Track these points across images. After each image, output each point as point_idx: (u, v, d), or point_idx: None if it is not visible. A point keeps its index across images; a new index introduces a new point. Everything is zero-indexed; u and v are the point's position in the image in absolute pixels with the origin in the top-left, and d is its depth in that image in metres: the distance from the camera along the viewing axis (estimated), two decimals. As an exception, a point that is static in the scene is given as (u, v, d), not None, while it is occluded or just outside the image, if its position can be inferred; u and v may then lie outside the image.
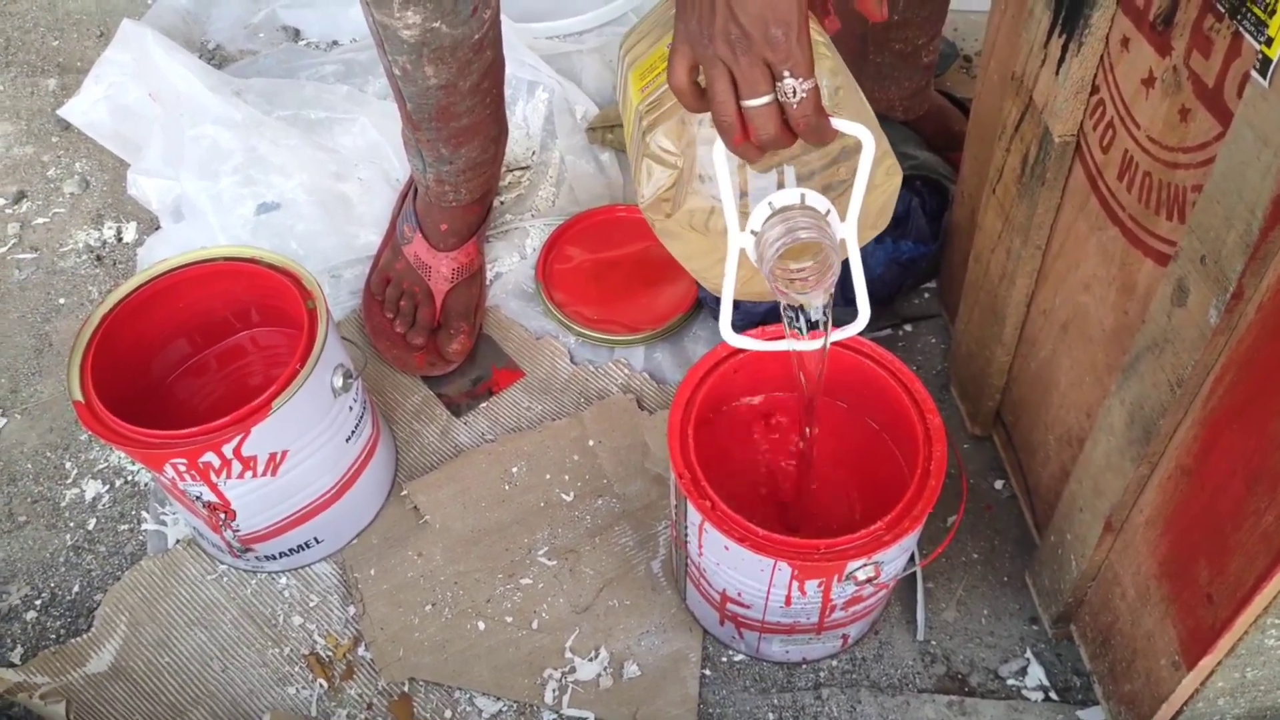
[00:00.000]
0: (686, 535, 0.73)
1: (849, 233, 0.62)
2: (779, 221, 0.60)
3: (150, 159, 1.09)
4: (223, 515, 0.78)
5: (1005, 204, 0.78)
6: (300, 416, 0.75)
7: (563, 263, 1.07)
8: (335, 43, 1.32)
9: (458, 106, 0.89)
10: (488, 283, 1.07)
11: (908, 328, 1.03)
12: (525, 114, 1.21)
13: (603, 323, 1.02)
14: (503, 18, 0.89)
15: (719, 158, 0.59)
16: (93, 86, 1.13)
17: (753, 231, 0.62)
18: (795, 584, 0.68)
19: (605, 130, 1.19)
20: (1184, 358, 0.56)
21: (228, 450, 0.72)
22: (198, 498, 0.76)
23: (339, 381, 0.78)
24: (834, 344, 0.76)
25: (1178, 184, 0.58)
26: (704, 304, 1.02)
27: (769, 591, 0.70)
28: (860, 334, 0.74)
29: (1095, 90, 0.64)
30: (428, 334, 0.99)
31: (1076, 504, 0.72)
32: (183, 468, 0.73)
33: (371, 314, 1.02)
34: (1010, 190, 0.77)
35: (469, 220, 1.03)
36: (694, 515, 0.69)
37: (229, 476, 0.74)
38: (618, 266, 1.07)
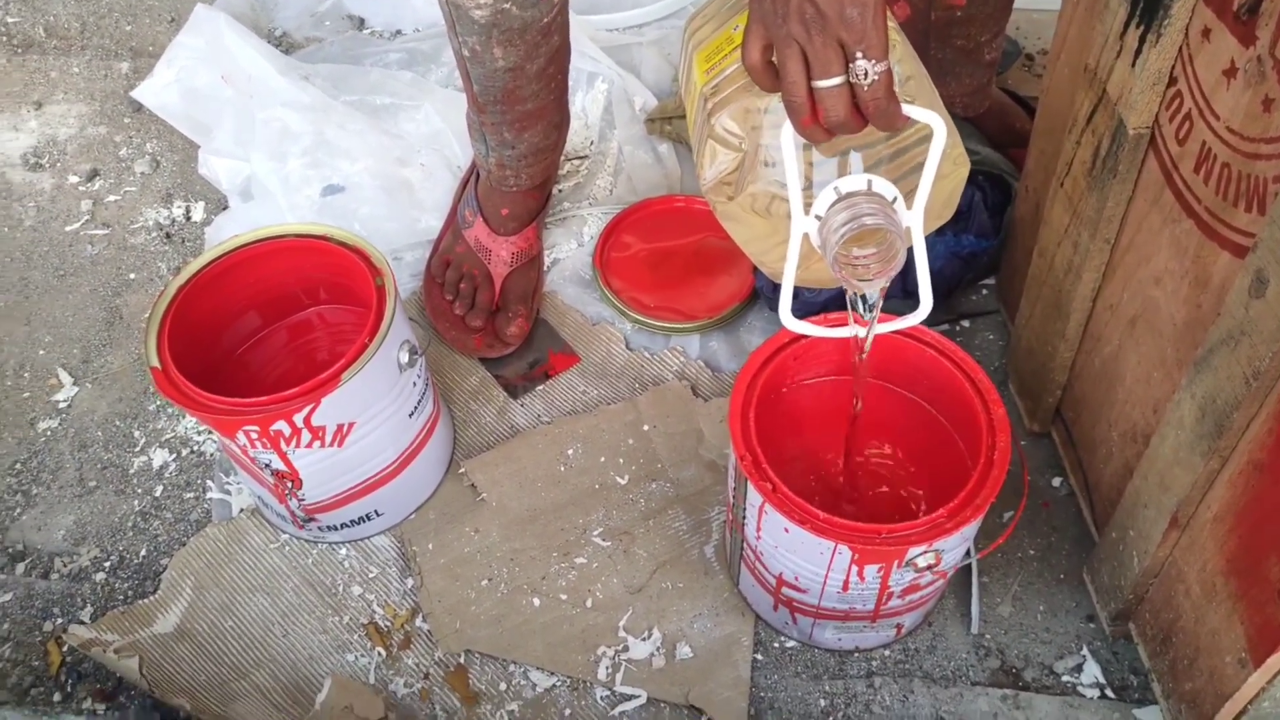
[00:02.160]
0: (745, 517, 0.74)
1: (915, 221, 0.62)
2: (844, 207, 0.61)
3: (221, 140, 1.11)
4: (290, 484, 0.80)
5: (1074, 197, 0.78)
6: (367, 389, 0.77)
7: (620, 250, 1.08)
8: (399, 32, 1.34)
9: (523, 90, 0.90)
10: (545, 268, 1.08)
11: (965, 323, 1.03)
12: (584, 104, 1.22)
13: (659, 310, 1.03)
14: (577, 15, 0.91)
15: (787, 140, 0.59)
16: (165, 69, 1.16)
17: (817, 216, 0.62)
18: (854, 568, 0.68)
19: (664, 121, 1.20)
20: (1261, 350, 0.55)
21: (298, 419, 0.74)
22: (266, 465, 0.78)
23: (405, 357, 0.80)
24: (897, 333, 0.76)
25: (1258, 175, 0.57)
26: (760, 294, 1.02)
27: (827, 576, 0.70)
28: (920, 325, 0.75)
29: (1172, 82, 0.64)
30: (486, 316, 1.01)
31: (1141, 500, 0.71)
32: (255, 435, 0.75)
33: (432, 296, 1.04)
34: (1080, 183, 0.76)
35: (529, 206, 1.04)
36: (754, 497, 0.69)
37: (298, 445, 0.76)
38: (674, 255, 1.08)
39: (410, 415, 0.84)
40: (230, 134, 1.12)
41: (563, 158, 1.17)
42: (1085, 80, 0.73)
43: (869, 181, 0.61)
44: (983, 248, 0.98)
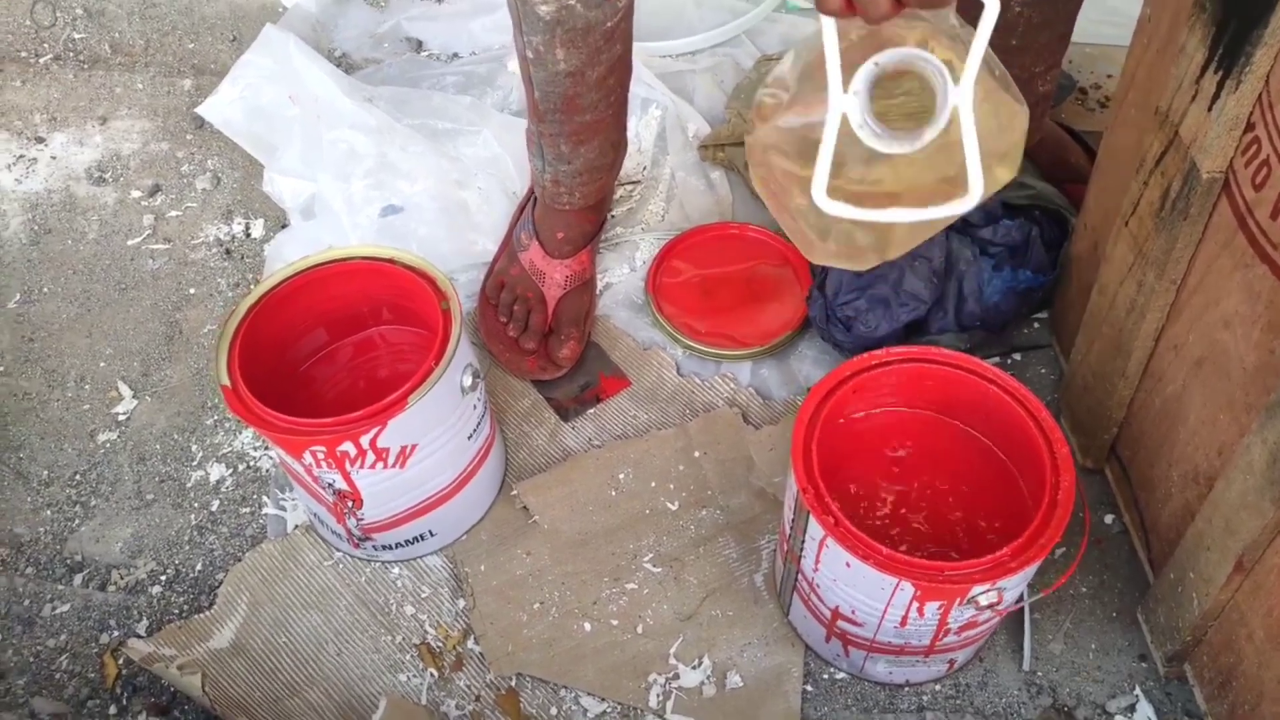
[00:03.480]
0: (803, 550, 0.74)
1: (963, 98, 0.56)
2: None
3: (288, 159, 1.13)
4: (350, 503, 0.81)
5: (1139, 237, 0.78)
6: (431, 412, 0.78)
7: (672, 276, 1.09)
8: (455, 55, 1.36)
9: (583, 99, 0.92)
10: (598, 292, 1.09)
11: (1017, 356, 1.03)
12: (638, 130, 1.23)
13: (710, 337, 1.04)
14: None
15: (828, 25, 0.55)
16: (230, 87, 1.18)
17: (855, 93, 0.57)
18: (915, 605, 0.68)
19: (716, 148, 1.21)
20: (1340, 398, 0.55)
21: (364, 441, 0.75)
22: (330, 485, 0.79)
23: (468, 380, 0.81)
24: (958, 367, 0.77)
25: (1339, 223, 0.57)
26: (812, 323, 1.02)
27: (886, 611, 0.70)
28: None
29: (1250, 127, 0.64)
30: (539, 339, 1.02)
31: (1203, 543, 0.71)
32: (321, 455, 0.76)
33: (486, 318, 1.05)
34: (1146, 224, 0.76)
35: (584, 229, 1.05)
36: (815, 530, 0.70)
37: (362, 466, 0.77)
38: (727, 282, 1.08)
39: (469, 437, 0.85)
40: (297, 153, 1.14)
41: (617, 183, 1.18)
42: (1155, 122, 0.73)
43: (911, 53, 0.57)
44: (1039, 283, 0.97)
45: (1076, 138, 1.14)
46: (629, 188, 1.19)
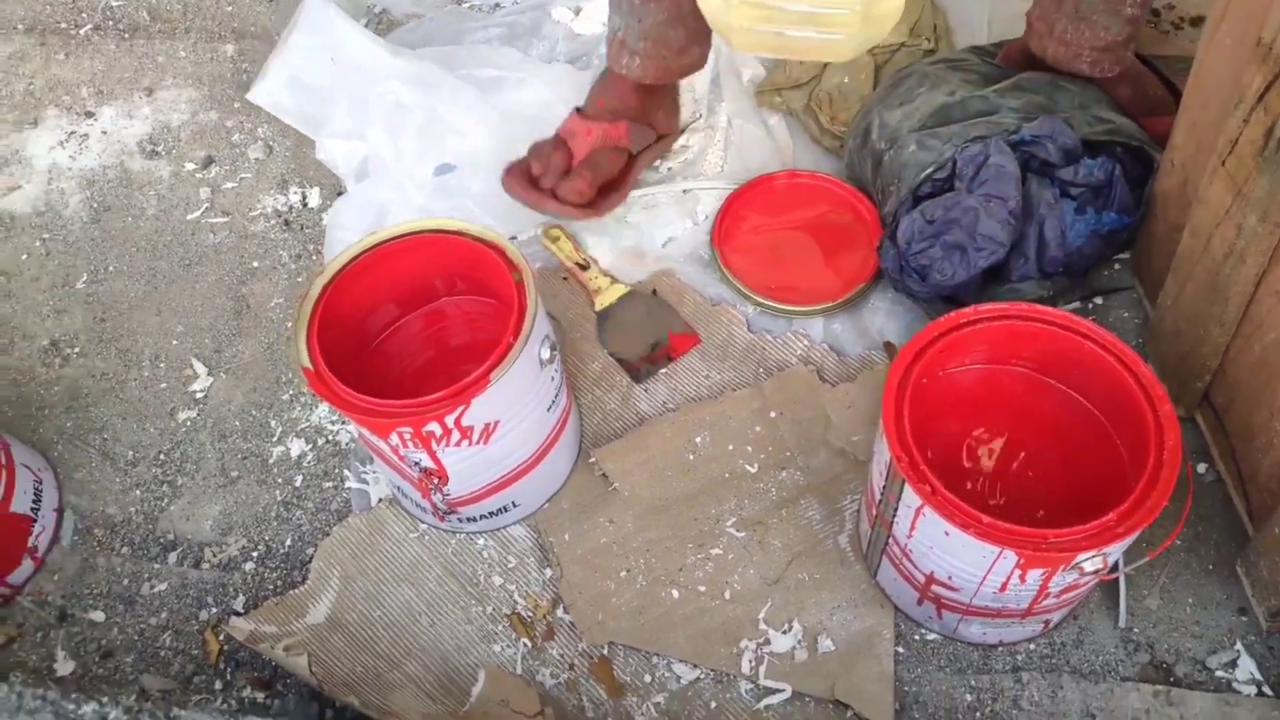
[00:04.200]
0: (895, 516, 0.73)
1: None
2: None
3: (337, 120, 1.12)
4: (436, 480, 0.81)
5: (1238, 178, 0.74)
6: (512, 388, 0.78)
7: (738, 230, 1.07)
8: (498, 5, 1.33)
9: None
10: (661, 246, 1.07)
11: (1097, 300, 1.00)
12: (692, 78, 1.20)
13: (781, 292, 1.02)
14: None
15: None
16: (279, 70, 1.17)
17: None
18: (1017, 572, 0.67)
19: (774, 93, 1.17)
20: None
21: (449, 420, 0.75)
22: (416, 463, 0.80)
23: (546, 353, 0.80)
24: (1051, 323, 0.74)
25: None
26: (885, 274, 1.00)
27: (985, 578, 0.69)
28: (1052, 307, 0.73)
29: (1375, 64, 0.60)
30: (557, 178, 1.02)
31: (1312, 497, 0.69)
32: (408, 436, 0.76)
33: (511, 168, 1.04)
34: (1246, 164, 0.73)
35: (627, 105, 1.06)
36: (910, 499, 0.69)
37: (447, 445, 0.77)
38: (794, 234, 1.06)
39: (548, 409, 0.84)
40: (345, 113, 1.12)
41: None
42: (1257, 55, 0.69)
43: None
44: (1124, 224, 0.94)
45: (1151, 66, 1.08)
46: (685, 138, 1.16)
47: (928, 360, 0.74)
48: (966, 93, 0.98)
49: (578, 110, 1.08)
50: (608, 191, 1.06)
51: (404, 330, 0.93)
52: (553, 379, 0.84)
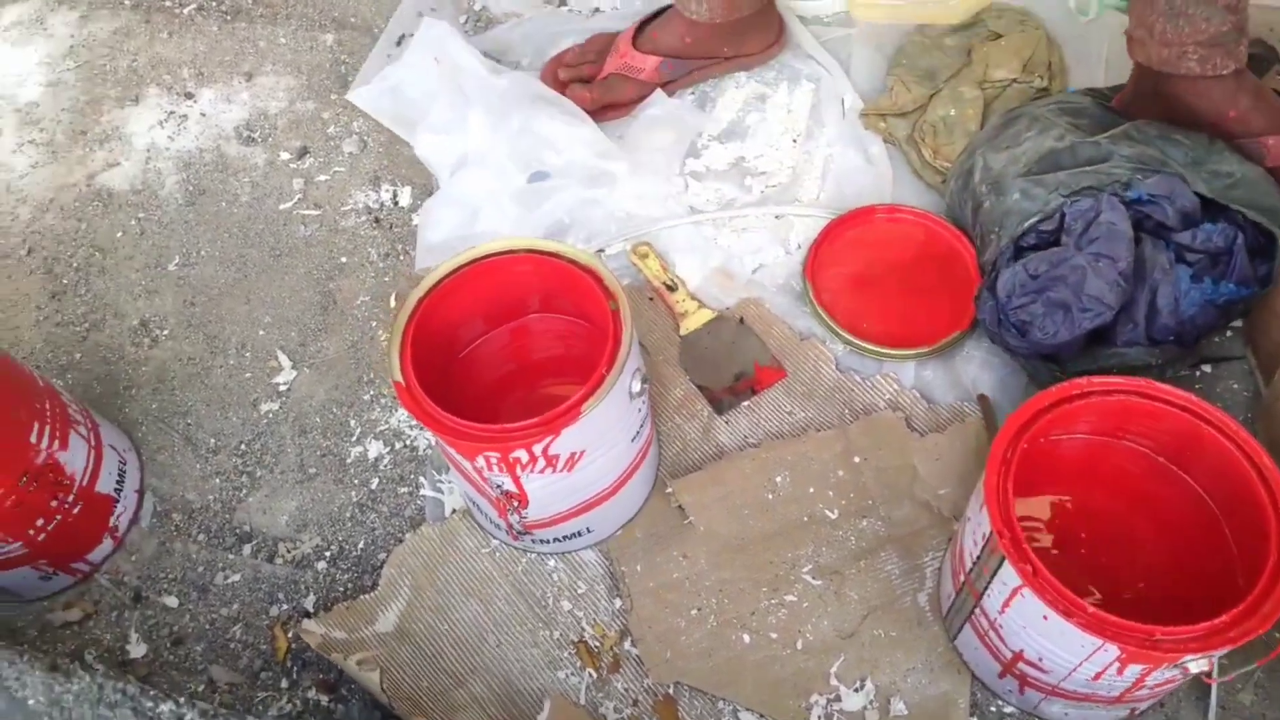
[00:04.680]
0: (987, 588, 0.71)
1: None
2: None
3: (436, 115, 1.12)
4: (515, 503, 0.81)
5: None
6: (602, 419, 0.77)
7: (832, 264, 1.04)
8: (597, 10, 1.31)
9: None
10: (751, 273, 1.05)
11: (1206, 368, 0.96)
12: (791, 102, 1.17)
13: (873, 333, 0.99)
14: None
15: None
16: (382, 81, 1.20)
17: None
18: (1116, 665, 0.64)
19: (879, 118, 1.15)
20: None
21: (537, 448, 0.75)
22: (498, 486, 0.79)
23: (636, 386, 0.79)
24: (1167, 400, 0.71)
25: None
26: (981, 323, 0.97)
27: (1080, 665, 0.67)
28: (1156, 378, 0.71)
29: None
30: (575, 79, 1.15)
31: None
32: (494, 460, 0.75)
33: (558, 55, 1.19)
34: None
35: (677, 41, 1.14)
36: (1009, 576, 0.66)
37: (532, 471, 0.77)
38: (891, 272, 1.03)
39: (632, 440, 0.83)
40: (445, 109, 1.12)
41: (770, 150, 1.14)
42: None
43: None
44: (1242, 295, 0.90)
45: None
46: (780, 160, 1.14)
47: (1034, 431, 0.71)
48: (1076, 138, 0.95)
49: (637, 28, 1.16)
50: (613, 111, 1.16)
51: (489, 344, 0.92)
52: (640, 410, 0.83)
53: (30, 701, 0.65)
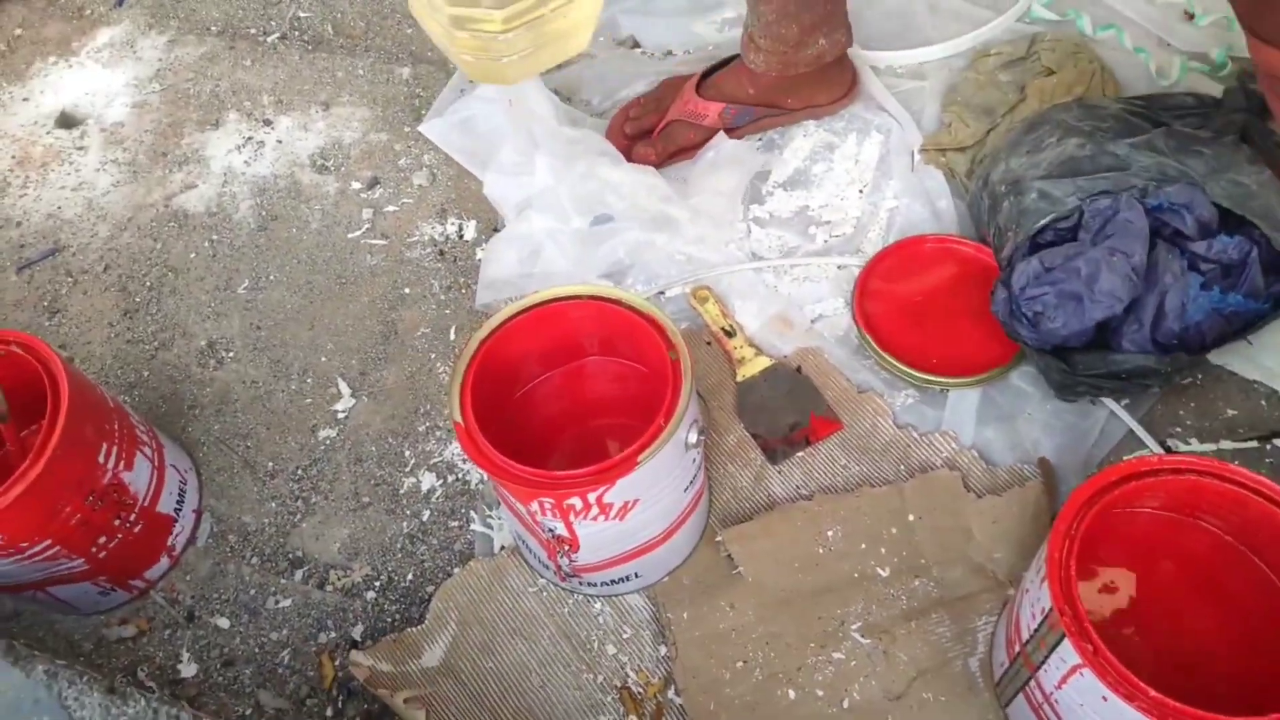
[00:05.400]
0: (1044, 663, 0.69)
1: None
2: None
3: (505, 155, 1.14)
4: (566, 546, 0.81)
5: None
6: (657, 470, 0.77)
7: (876, 302, 1.05)
8: (669, 53, 1.33)
9: None
10: (811, 322, 1.05)
11: (1277, 441, 0.93)
12: (860, 152, 1.17)
13: (937, 365, 0.99)
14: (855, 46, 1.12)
15: None
16: (453, 115, 1.23)
17: None
18: (1179, 754, 0.62)
19: (939, 153, 1.14)
20: None
21: (591, 496, 0.75)
22: (550, 530, 0.79)
23: (693, 437, 0.79)
24: (1239, 482, 0.69)
25: None
26: (996, 317, 0.94)
27: (1140, 750, 0.65)
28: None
29: None
30: (640, 136, 1.17)
31: None
32: (549, 505, 0.76)
33: (623, 108, 1.21)
34: None
35: (739, 91, 1.16)
36: (1068, 653, 0.65)
37: (585, 518, 0.77)
38: (932, 302, 1.04)
39: (685, 489, 0.83)
40: (514, 150, 1.14)
41: (836, 199, 1.13)
42: None
43: None
44: (1249, 308, 0.88)
45: None
46: (845, 210, 1.14)
47: (1100, 506, 0.70)
48: (1097, 146, 0.95)
49: (702, 75, 1.18)
50: (679, 156, 1.18)
51: (546, 384, 0.93)
52: (695, 461, 0.83)
53: (87, 721, 0.67)
